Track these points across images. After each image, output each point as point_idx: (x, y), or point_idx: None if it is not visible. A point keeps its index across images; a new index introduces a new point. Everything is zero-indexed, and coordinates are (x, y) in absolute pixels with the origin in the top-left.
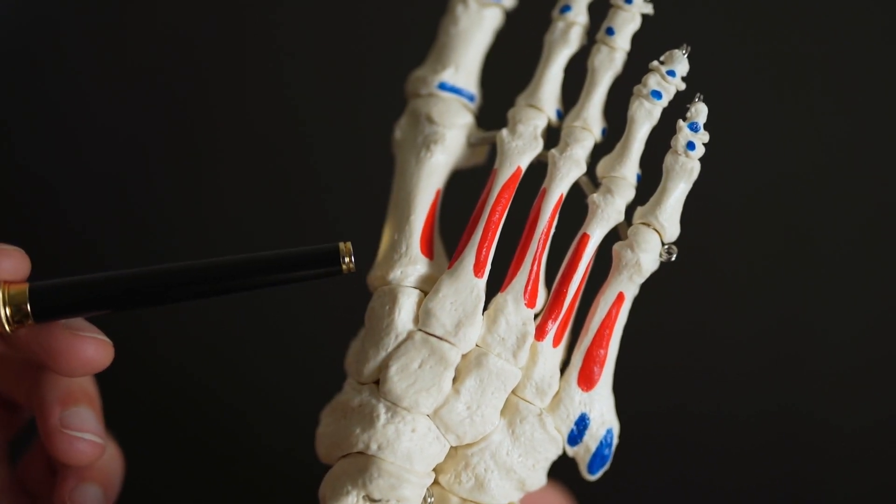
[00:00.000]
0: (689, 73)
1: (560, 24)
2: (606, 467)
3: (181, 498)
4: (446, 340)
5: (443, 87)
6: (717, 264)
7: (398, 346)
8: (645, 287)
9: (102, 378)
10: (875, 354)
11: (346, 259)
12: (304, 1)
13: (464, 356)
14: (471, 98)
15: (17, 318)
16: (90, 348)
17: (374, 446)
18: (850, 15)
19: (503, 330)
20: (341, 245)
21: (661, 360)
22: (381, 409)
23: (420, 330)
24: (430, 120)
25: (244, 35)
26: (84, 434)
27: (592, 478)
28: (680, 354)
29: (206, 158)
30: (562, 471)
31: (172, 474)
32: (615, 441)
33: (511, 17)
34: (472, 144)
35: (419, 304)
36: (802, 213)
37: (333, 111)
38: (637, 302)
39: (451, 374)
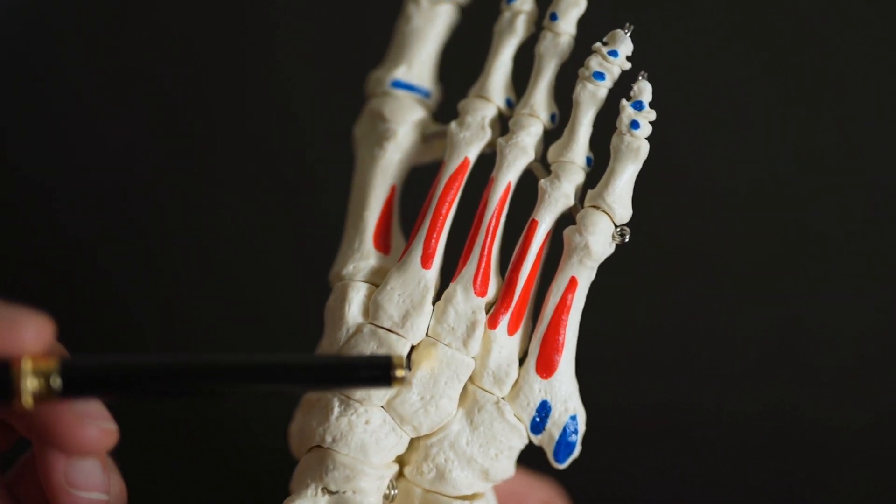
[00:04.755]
0: (686, 61)
1: (506, 14)
2: (575, 455)
3: (180, 497)
4: (394, 332)
5: (396, 84)
6: (714, 260)
7: (348, 340)
8: (642, 282)
9: None
10: (873, 352)
11: (398, 372)
12: (304, 2)
13: (414, 347)
14: (426, 94)
15: (41, 394)
16: (94, 436)
17: (328, 439)
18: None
19: (452, 319)
20: (394, 357)
21: (658, 355)
22: (335, 403)
23: (369, 323)
24: (382, 118)
25: (243, 38)
26: (90, 494)
27: (561, 466)
28: (677, 350)
29: (205, 161)
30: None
31: (171, 474)
32: (581, 428)
33: (471, 11)
34: (426, 140)
35: (370, 297)
36: (801, 208)
37: (334, 112)
38: (634, 297)
39: None
